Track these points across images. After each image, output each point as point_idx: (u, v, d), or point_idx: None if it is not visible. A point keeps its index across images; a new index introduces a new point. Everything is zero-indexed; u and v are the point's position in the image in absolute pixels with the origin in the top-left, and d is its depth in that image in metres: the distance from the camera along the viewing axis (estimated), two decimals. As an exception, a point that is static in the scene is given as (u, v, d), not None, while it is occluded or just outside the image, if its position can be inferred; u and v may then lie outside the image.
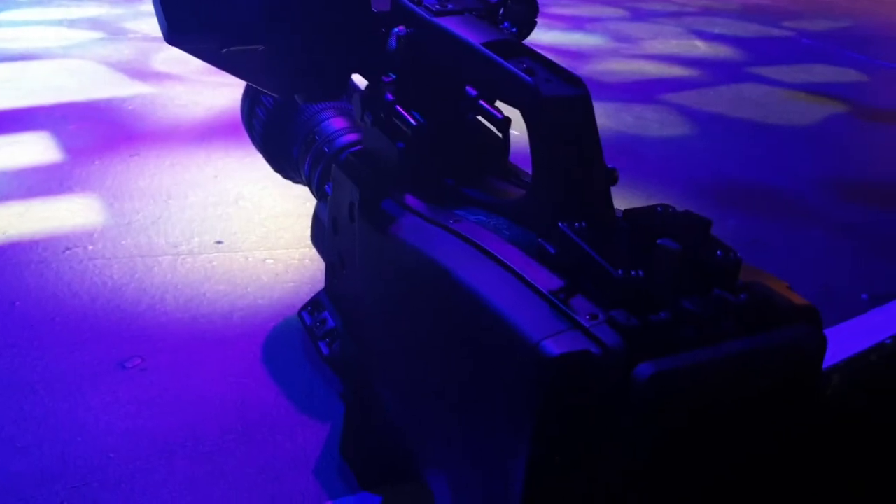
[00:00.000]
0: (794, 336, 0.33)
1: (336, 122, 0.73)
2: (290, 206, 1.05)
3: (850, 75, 2.07)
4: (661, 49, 2.32)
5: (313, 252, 0.92)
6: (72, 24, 2.26)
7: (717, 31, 2.67)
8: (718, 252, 0.34)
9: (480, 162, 0.55)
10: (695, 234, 0.36)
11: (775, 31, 2.72)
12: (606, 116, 1.54)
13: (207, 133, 1.32)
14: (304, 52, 0.56)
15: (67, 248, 0.90)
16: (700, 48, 2.36)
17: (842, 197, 1.21)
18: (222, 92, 1.57)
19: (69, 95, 1.51)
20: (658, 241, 0.35)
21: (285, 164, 0.77)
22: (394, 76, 0.55)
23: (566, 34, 2.49)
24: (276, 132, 0.76)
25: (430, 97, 0.54)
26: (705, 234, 0.37)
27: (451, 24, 0.50)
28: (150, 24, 2.29)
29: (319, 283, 0.86)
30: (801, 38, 2.61)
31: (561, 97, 0.42)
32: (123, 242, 0.92)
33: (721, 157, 1.37)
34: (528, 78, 0.42)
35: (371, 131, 0.56)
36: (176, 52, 1.77)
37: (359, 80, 0.61)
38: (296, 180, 0.79)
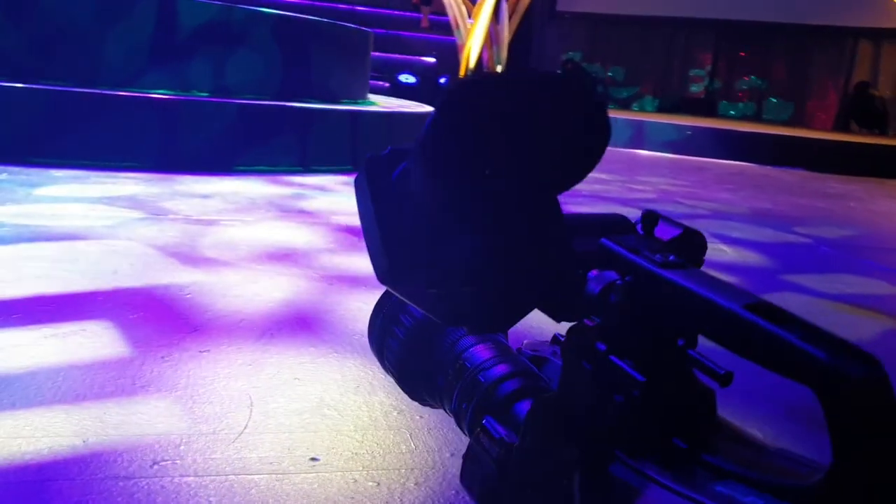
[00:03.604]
0: None
1: (484, 349, 0.70)
2: (376, 415, 0.99)
3: (882, 287, 2.11)
4: (690, 252, 2.36)
5: (417, 474, 0.86)
6: (111, 201, 2.28)
7: (735, 234, 2.75)
8: None
9: (695, 417, 0.51)
10: None
11: (791, 237, 2.81)
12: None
13: (274, 327, 1.28)
14: (500, 292, 0.54)
15: (155, 463, 0.82)
16: (728, 253, 2.41)
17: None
18: (279, 282, 1.56)
19: (125, 280, 1.48)
20: None
21: (423, 389, 0.73)
22: (597, 320, 0.52)
23: (593, 232, 2.54)
24: (415, 355, 0.72)
25: (642, 347, 0.51)
26: None
27: (689, 281, 0.48)
28: (188, 205, 2.32)
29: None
30: (819, 246, 2.69)
31: (866, 379, 0.39)
32: (214, 457, 0.85)
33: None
34: (822, 355, 0.40)
35: (575, 379, 0.52)
36: (221, 237, 1.78)
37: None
38: (431, 405, 0.75)
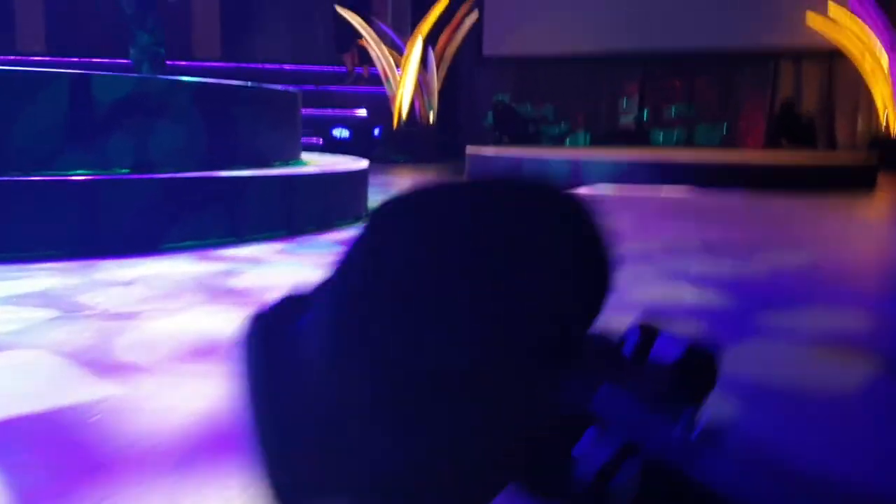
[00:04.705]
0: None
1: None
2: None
3: (856, 319, 2.01)
4: (652, 297, 2.24)
5: None
6: (19, 300, 2.06)
7: (693, 272, 2.64)
8: None
9: None
10: None
11: (750, 270, 2.72)
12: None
13: (194, 453, 1.09)
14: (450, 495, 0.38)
15: None
16: (689, 294, 2.29)
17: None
18: (202, 388, 1.37)
19: (24, 404, 1.27)
20: None
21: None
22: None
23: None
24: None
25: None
26: None
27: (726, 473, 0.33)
28: (107, 296, 2.11)
29: None
30: (782, 277, 2.60)
31: None
32: None
33: (787, 443, 1.21)
34: None
35: None
36: (140, 335, 1.55)
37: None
38: None
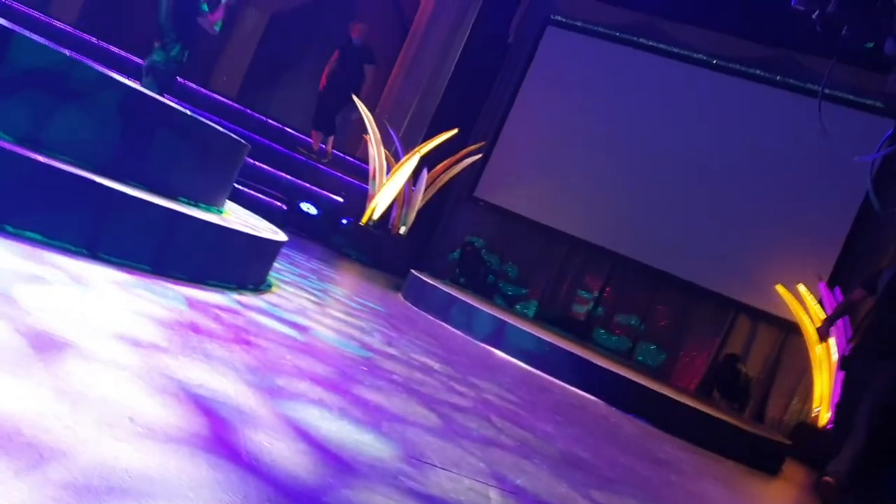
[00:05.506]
0: None
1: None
2: None
3: None
4: (449, 489, 1.97)
5: None
6: None
7: (520, 481, 2.38)
8: None
9: None
10: None
11: (579, 502, 2.45)
12: None
13: None
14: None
15: None
16: (493, 502, 2.02)
17: None
18: None
19: None
20: None
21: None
22: None
23: (355, 430, 2.13)
24: None
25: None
26: None
27: None
28: None
29: None
30: (603, 523, 2.34)
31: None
32: None
33: None
34: None
35: None
36: None
37: None
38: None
